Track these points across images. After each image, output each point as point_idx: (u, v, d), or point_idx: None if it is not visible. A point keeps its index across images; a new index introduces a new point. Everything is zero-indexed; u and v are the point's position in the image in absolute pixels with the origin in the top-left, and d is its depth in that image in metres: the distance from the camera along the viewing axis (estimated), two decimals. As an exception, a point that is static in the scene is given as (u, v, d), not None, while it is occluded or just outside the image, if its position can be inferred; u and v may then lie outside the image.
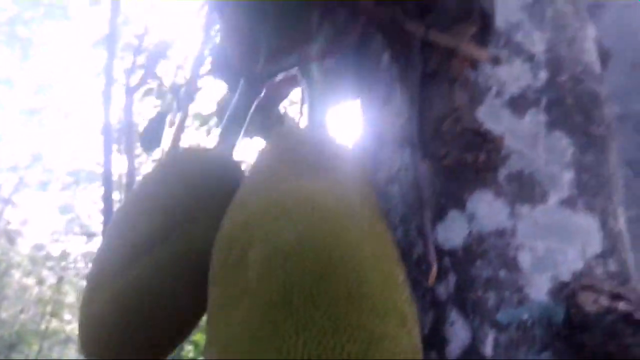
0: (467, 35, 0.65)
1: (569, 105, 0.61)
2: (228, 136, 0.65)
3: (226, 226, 0.50)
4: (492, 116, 0.61)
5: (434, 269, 0.52)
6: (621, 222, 0.60)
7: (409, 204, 0.62)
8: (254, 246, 0.44)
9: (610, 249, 0.56)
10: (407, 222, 0.61)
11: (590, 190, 0.58)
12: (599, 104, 0.63)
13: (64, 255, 9.88)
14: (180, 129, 0.93)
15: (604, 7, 2.76)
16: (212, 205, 0.56)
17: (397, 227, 0.62)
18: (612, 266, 0.55)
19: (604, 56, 0.76)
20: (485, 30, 0.65)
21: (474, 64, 0.64)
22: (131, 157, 4.34)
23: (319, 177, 0.52)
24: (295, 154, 0.55)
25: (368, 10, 0.66)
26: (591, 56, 0.67)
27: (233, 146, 0.65)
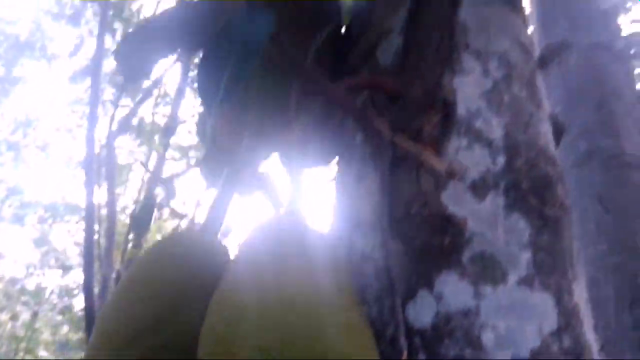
0: (432, 123, 0.71)
1: (524, 188, 0.67)
2: (212, 223, 0.70)
3: (210, 321, 0.54)
4: (455, 200, 0.67)
5: (405, 353, 0.57)
6: (577, 296, 0.65)
7: (382, 283, 0.67)
8: (236, 344, 0.48)
9: (565, 325, 0.61)
10: (381, 301, 0.66)
11: (545, 269, 0.64)
12: (552, 186, 0.69)
13: (39, 290, 9.69)
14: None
15: (571, 48, 2.88)
16: (200, 293, 0.60)
17: (372, 305, 0.67)
18: (567, 342, 0.60)
19: (559, 131, 0.83)
20: (447, 118, 0.71)
21: (439, 151, 0.70)
22: (112, 189, 4.33)
23: (299, 269, 0.56)
24: (276, 244, 0.59)
25: (338, 99, 0.72)
26: (546, 138, 0.74)
27: (217, 232, 0.69)
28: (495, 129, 0.71)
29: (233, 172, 0.72)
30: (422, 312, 0.62)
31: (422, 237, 0.65)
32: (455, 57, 0.76)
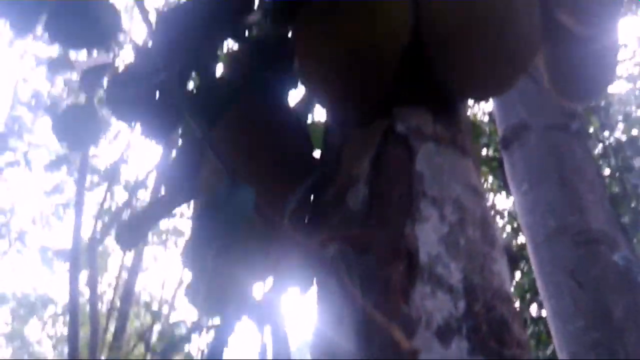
0: (398, 273, 0.79)
1: (484, 332, 0.75)
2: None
3: None
4: (424, 347, 0.74)
5: None
6: None
7: None
8: None
9: None
10: None
11: (509, 409, 0.70)
12: (509, 327, 0.77)
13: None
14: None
15: (530, 129, 3.07)
16: None
17: None
18: None
19: (513, 260, 0.92)
20: (411, 267, 0.80)
21: (407, 299, 0.78)
22: (94, 284, 4.31)
23: None
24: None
25: (314, 256, 0.80)
26: (500, 278, 0.83)
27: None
28: (454, 274, 0.80)
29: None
30: None
31: (397, 384, 0.72)
32: (415, 205, 0.86)
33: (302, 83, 1.14)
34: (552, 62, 1.03)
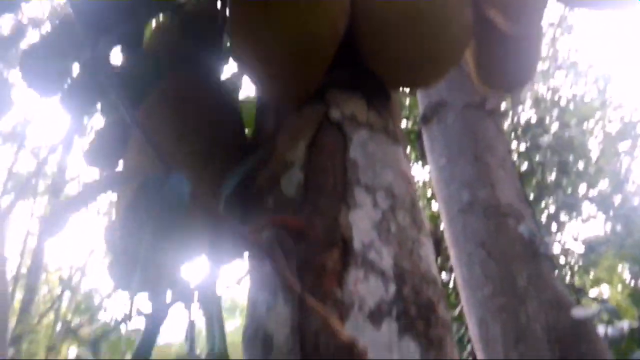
0: (333, 259, 0.82)
1: (412, 314, 0.79)
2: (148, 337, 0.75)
3: None
4: (357, 329, 0.77)
5: None
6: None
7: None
8: None
9: None
10: None
11: (433, 385, 0.76)
12: (435, 309, 0.82)
13: None
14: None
15: (448, 106, 3.19)
16: None
17: None
18: None
19: (438, 242, 0.98)
20: (346, 252, 0.83)
21: (340, 283, 0.80)
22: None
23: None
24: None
25: (247, 239, 0.80)
26: (427, 261, 0.87)
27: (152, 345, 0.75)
28: (386, 259, 0.83)
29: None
30: None
31: (330, 366, 0.75)
32: (349, 192, 0.88)
33: (236, 61, 1.12)
34: (478, 53, 1.07)
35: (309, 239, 0.84)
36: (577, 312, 2.22)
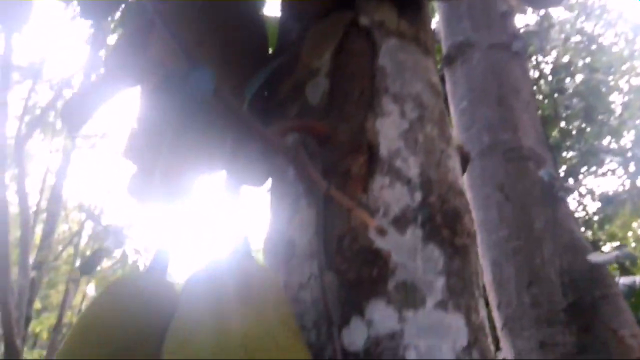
0: (358, 164, 0.80)
1: (438, 222, 0.78)
2: (159, 262, 0.75)
3: None
4: (381, 234, 0.76)
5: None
6: (481, 315, 0.77)
7: (319, 310, 0.75)
8: None
9: (474, 341, 0.73)
10: (319, 326, 0.74)
11: (457, 292, 0.75)
12: (461, 218, 0.80)
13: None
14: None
15: (474, 47, 3.09)
16: (151, 336, 0.66)
17: (310, 330, 0.75)
18: (476, 355, 0.72)
19: (465, 159, 0.95)
20: (372, 159, 0.80)
21: (365, 189, 0.79)
22: (23, 188, 4.12)
23: (246, 309, 0.63)
24: (222, 286, 0.66)
25: (271, 142, 0.78)
26: (454, 173, 0.85)
27: (164, 272, 0.74)
28: (412, 168, 0.81)
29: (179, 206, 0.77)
30: (355, 336, 0.71)
31: (353, 269, 0.74)
32: (376, 100, 0.85)
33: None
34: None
35: (334, 144, 0.82)
36: (594, 257, 2.20)
